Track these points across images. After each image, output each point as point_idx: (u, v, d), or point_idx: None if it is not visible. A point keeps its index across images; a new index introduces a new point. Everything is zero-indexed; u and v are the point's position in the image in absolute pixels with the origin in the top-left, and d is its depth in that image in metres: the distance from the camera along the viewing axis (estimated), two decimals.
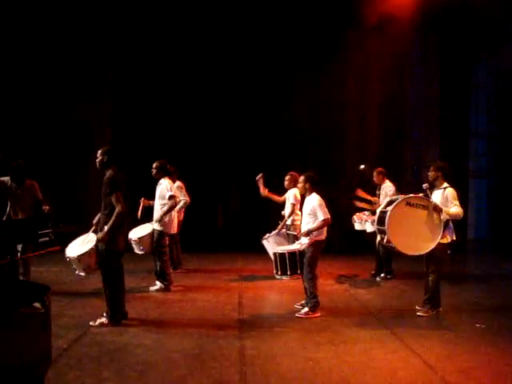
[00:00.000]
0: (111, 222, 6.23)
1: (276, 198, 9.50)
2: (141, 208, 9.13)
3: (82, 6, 12.64)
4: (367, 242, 10.07)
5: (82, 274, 7.12)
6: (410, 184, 12.49)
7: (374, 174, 9.69)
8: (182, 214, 9.86)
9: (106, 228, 6.28)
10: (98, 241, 6.42)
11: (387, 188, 9.42)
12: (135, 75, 13.43)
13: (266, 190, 9.34)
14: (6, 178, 7.93)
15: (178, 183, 9.62)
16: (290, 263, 7.13)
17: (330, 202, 7.20)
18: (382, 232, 7.02)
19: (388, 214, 6.79)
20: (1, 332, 3.34)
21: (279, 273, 7.33)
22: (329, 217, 6.88)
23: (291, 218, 9.10)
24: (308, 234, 6.92)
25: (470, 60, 14.09)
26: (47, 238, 4.64)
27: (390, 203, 7.10)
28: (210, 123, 13.75)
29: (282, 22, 13.28)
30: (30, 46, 12.47)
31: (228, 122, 13.86)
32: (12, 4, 12.13)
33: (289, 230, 9.11)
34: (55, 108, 12.98)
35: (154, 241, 8.45)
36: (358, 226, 9.70)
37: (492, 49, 14.19)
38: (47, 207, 7.90)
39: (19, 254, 7.23)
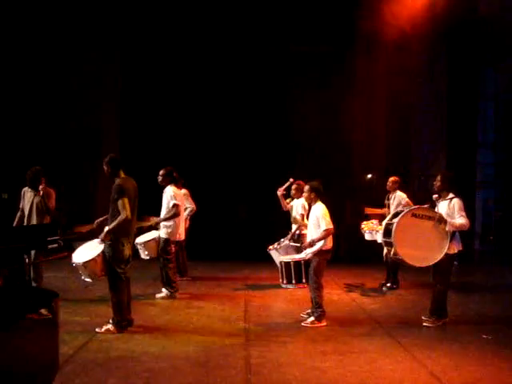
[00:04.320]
0: (113, 224, 6.26)
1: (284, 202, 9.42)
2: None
3: (96, 16, 12.84)
4: (375, 251, 10.00)
5: (88, 280, 7.17)
6: (417, 194, 12.46)
7: (390, 181, 9.53)
8: (188, 222, 9.88)
9: (106, 228, 6.31)
10: (100, 241, 6.45)
11: (400, 198, 9.28)
12: (144, 83, 13.56)
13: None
14: (26, 188, 8.00)
15: (183, 191, 9.64)
16: (295, 272, 7.14)
17: (336, 211, 7.18)
18: (389, 244, 6.99)
19: (394, 226, 6.76)
20: (9, 337, 3.36)
21: (285, 281, 7.35)
22: (331, 227, 6.82)
23: (300, 228, 9.06)
24: (311, 244, 6.91)
25: (477, 71, 14.09)
26: (56, 245, 4.66)
27: (395, 215, 7.07)
28: (218, 133, 13.85)
29: (291, 32, 13.44)
30: (41, 54, 12.58)
31: (236, 132, 13.95)
32: (24, 14, 12.27)
33: (296, 240, 9.05)
34: (63, 115, 13.07)
35: (160, 248, 8.48)
36: (368, 237, 9.50)
37: (500, 60, 14.19)
38: (51, 217, 7.96)
39: (27, 259, 7.26)
